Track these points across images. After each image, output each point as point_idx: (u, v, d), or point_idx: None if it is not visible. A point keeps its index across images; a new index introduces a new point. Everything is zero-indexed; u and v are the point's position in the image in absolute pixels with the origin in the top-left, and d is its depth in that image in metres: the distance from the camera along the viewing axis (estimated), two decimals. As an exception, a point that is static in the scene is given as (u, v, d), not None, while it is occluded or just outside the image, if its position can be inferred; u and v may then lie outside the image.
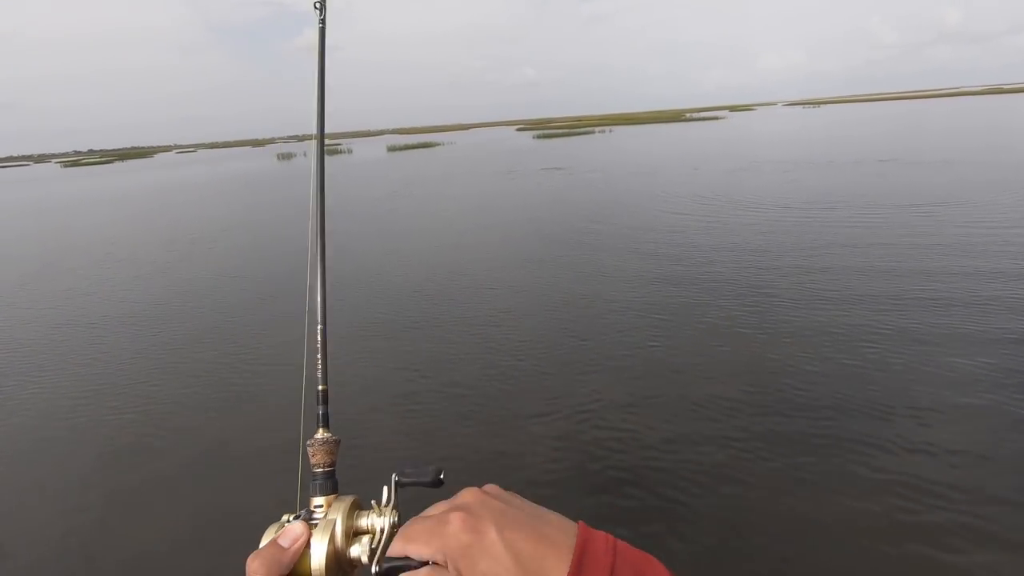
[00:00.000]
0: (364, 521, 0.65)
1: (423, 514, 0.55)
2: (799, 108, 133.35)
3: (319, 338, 0.80)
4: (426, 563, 0.50)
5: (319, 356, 0.79)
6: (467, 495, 0.54)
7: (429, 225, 15.82)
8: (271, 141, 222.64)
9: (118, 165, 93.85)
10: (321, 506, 0.67)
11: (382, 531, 0.63)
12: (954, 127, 39.67)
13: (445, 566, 0.48)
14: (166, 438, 5.42)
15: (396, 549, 0.53)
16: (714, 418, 4.98)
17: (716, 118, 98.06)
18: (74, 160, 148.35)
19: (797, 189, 16.87)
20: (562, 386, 5.80)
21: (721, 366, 5.98)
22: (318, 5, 0.92)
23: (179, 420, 5.75)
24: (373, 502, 0.66)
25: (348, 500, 0.67)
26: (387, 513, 0.64)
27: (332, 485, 0.70)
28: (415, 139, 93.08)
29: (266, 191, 30.71)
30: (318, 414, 0.77)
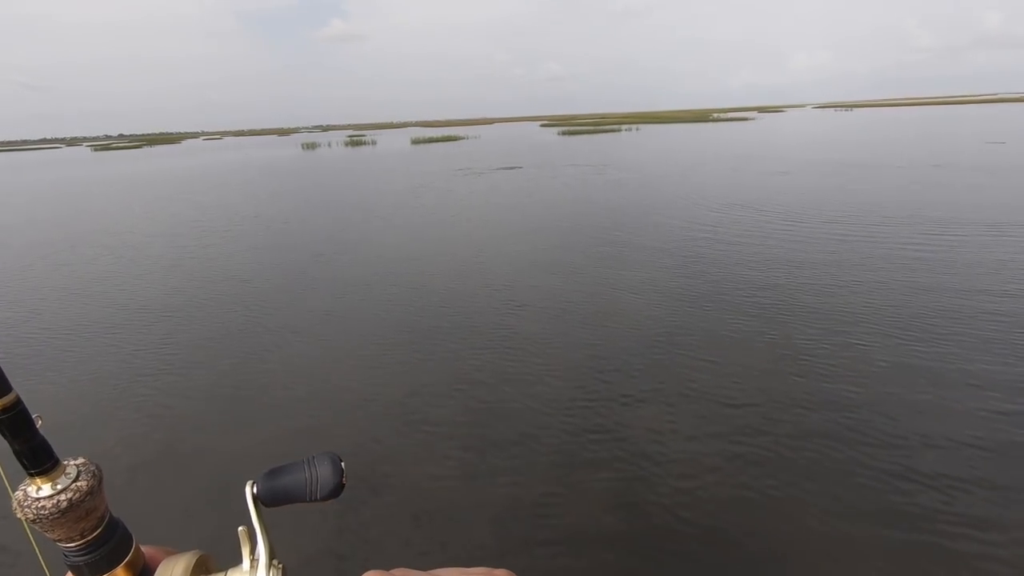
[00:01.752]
0: None
1: None
2: (830, 111, 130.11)
3: None
4: None
5: None
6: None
7: (448, 233, 15.32)
8: (295, 131, 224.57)
9: (147, 150, 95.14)
10: None
11: None
12: (995, 131, 38.05)
13: None
14: None
15: None
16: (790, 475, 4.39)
17: (745, 119, 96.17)
18: (104, 144, 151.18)
19: (845, 196, 16.03)
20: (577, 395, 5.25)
21: (789, 407, 5.36)
22: None
23: None
24: (245, 552, 0.43)
25: (183, 565, 0.44)
26: (265, 570, 0.42)
27: (120, 544, 0.45)
28: (439, 132, 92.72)
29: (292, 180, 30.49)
30: (16, 453, 0.43)
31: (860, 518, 3.70)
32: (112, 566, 0.43)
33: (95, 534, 0.43)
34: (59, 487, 0.42)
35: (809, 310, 7.31)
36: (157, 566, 0.43)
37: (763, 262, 9.57)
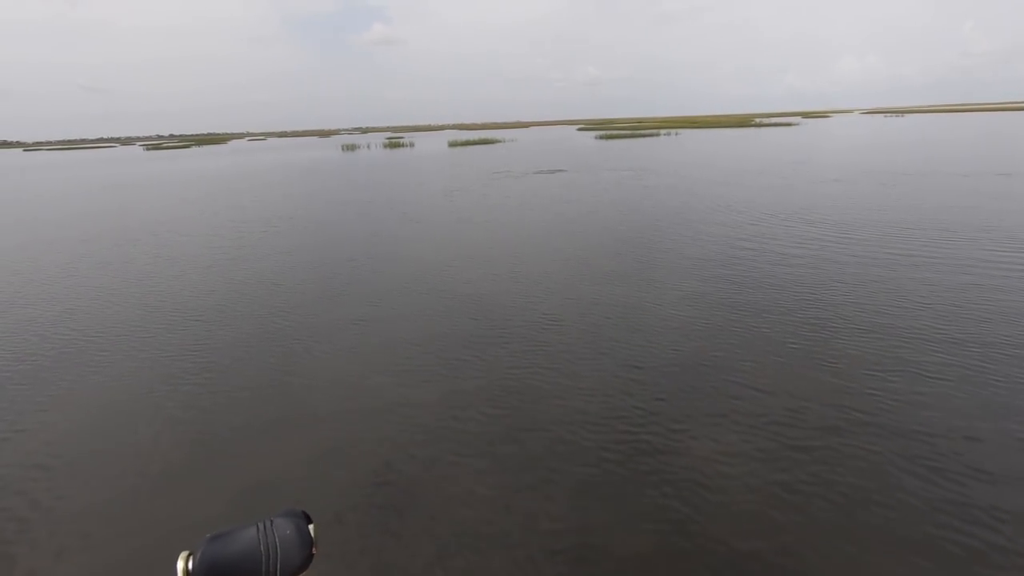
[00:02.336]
0: None
1: None
2: (880, 116, 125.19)
3: None
4: None
5: None
6: None
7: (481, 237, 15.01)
8: (335, 132, 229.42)
9: (195, 149, 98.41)
10: None
11: None
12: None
13: None
14: None
15: None
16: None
17: (789, 124, 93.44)
18: (156, 144, 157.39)
19: (906, 207, 15.08)
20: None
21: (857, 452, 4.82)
22: None
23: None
24: None
25: None
26: None
27: None
28: (476, 135, 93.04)
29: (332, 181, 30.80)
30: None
31: (924, 555, 3.21)
32: None
33: None
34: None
35: (867, 334, 6.67)
36: None
37: (817, 279, 8.93)
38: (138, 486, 4.39)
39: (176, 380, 6.24)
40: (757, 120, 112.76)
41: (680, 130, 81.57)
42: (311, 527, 0.41)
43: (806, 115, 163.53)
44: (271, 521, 0.40)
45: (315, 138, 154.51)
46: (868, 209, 14.38)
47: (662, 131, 76.73)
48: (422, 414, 5.27)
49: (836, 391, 5.34)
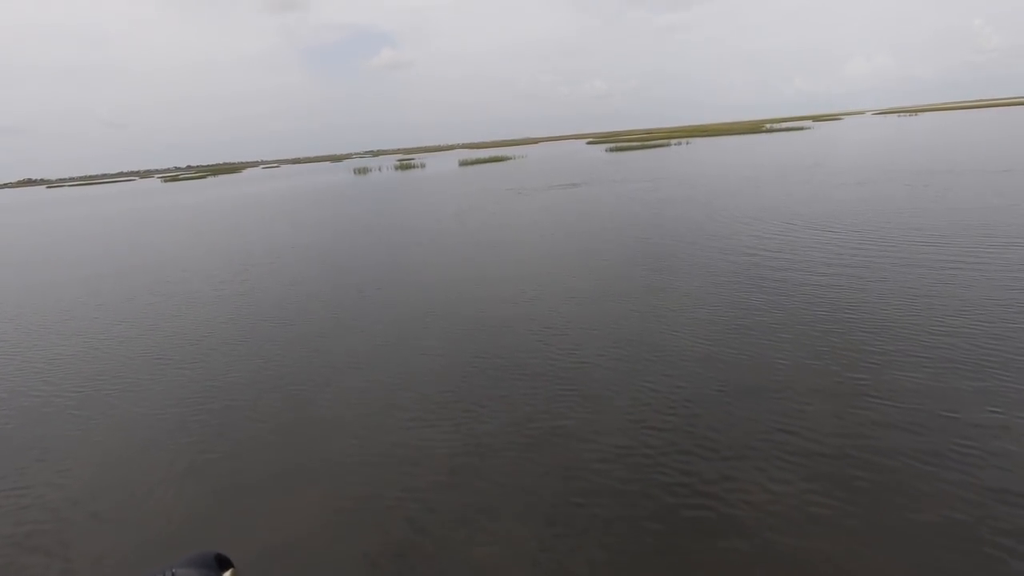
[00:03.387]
0: None
1: None
2: (894, 117, 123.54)
3: None
4: None
5: None
6: None
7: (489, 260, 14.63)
8: (348, 156, 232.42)
9: (211, 179, 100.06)
10: None
11: None
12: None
13: None
14: None
15: None
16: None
17: (801, 128, 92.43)
18: (173, 176, 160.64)
19: (944, 209, 14.43)
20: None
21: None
22: None
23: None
24: None
25: None
26: None
27: None
28: (486, 153, 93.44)
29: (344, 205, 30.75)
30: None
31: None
32: None
33: None
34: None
35: (918, 356, 6.12)
36: None
37: (860, 295, 8.37)
38: (143, 544, 4.00)
39: (184, 430, 5.87)
40: (768, 126, 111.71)
41: (691, 139, 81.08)
42: (228, 574, 0.36)
43: (817, 118, 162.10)
44: (172, 572, 0.35)
45: (328, 163, 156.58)
46: (905, 213, 13.74)
47: (672, 141, 76.30)
48: (444, 460, 4.83)
49: (894, 431, 4.80)
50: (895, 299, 7.78)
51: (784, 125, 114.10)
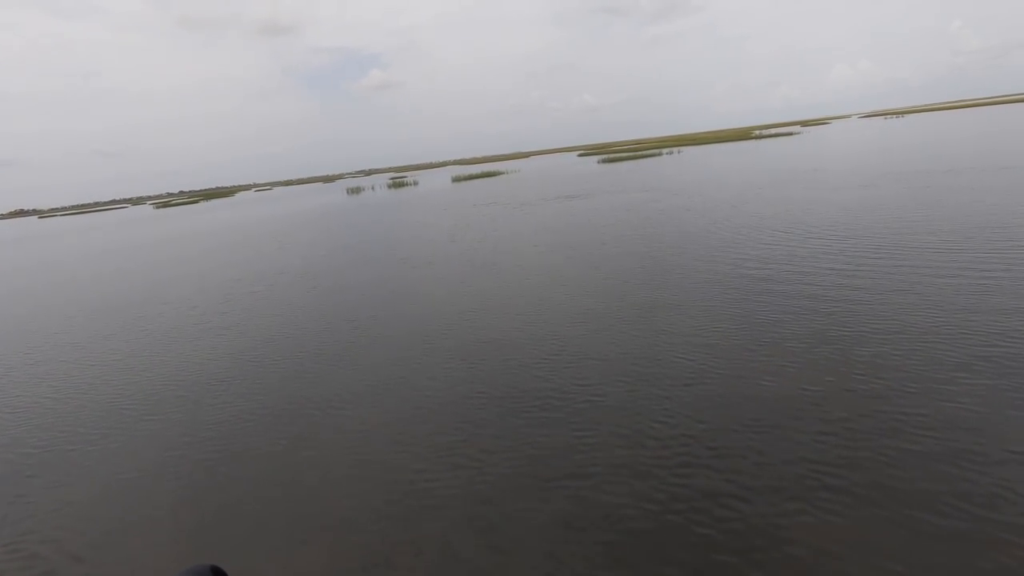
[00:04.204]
0: None
1: None
2: (879, 119, 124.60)
3: None
4: None
5: None
6: None
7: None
8: (340, 176, 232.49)
9: (203, 204, 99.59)
10: None
11: None
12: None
13: None
14: None
15: None
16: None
17: (790, 134, 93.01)
18: (165, 202, 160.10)
19: (961, 210, 14.15)
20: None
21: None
22: None
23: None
24: None
25: None
26: None
27: None
28: (478, 168, 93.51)
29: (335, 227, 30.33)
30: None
31: None
32: None
33: None
34: None
35: (965, 381, 5.73)
36: None
37: (888, 308, 8.00)
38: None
39: (173, 476, 5.39)
40: (757, 132, 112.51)
41: (681, 148, 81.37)
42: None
43: (805, 123, 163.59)
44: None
45: (320, 183, 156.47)
46: (914, 217, 13.44)
47: (664, 150, 76.52)
48: (455, 511, 4.37)
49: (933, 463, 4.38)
50: (928, 312, 7.39)
51: (773, 131, 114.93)
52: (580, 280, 11.27)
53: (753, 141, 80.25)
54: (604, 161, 68.30)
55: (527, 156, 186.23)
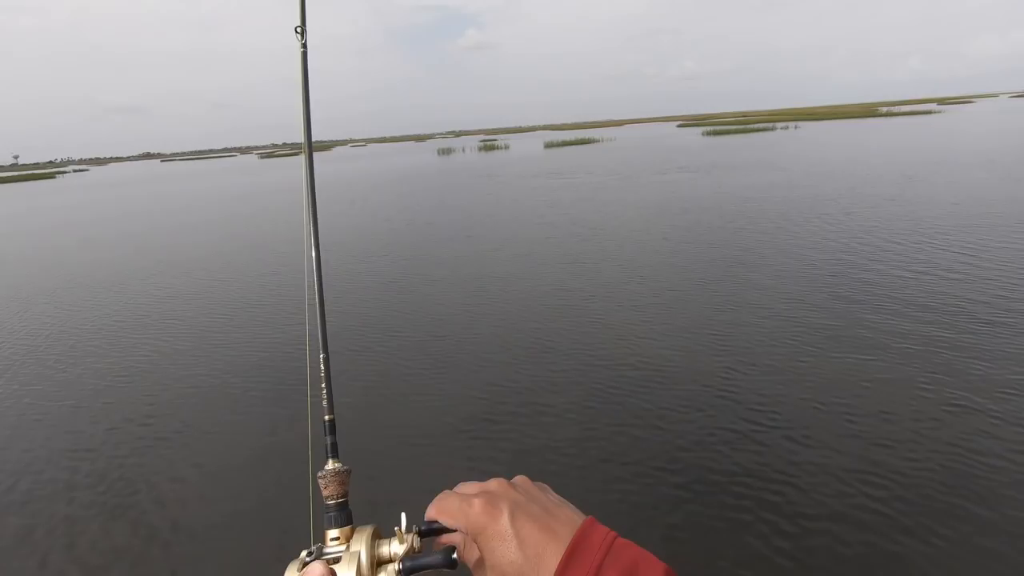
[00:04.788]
0: (385, 549, 0.61)
1: (455, 490, 0.61)
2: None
3: (322, 367, 0.75)
4: (455, 531, 0.59)
5: (323, 385, 0.74)
6: (494, 483, 0.59)
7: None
8: (431, 136, 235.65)
9: (302, 158, 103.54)
10: (337, 539, 0.64)
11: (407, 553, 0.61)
12: None
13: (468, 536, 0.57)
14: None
15: (431, 514, 0.60)
16: None
17: (928, 112, 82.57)
18: (269, 152, 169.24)
19: None
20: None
21: None
22: (299, 30, 0.87)
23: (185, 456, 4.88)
24: (396, 528, 0.61)
25: (368, 530, 0.63)
26: (408, 540, 0.60)
27: (346, 516, 0.67)
28: (571, 135, 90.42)
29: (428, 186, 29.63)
30: (326, 444, 0.73)
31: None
32: (341, 524, 0.65)
33: (340, 500, 0.67)
34: (337, 465, 0.69)
35: None
36: None
37: None
38: None
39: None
40: (884, 110, 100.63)
41: (797, 123, 74.24)
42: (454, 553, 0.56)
43: (942, 102, 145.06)
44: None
45: (412, 143, 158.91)
46: None
47: (778, 125, 70.07)
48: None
49: None
50: None
51: (904, 109, 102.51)
52: (710, 284, 9.47)
53: (884, 119, 71.75)
54: (709, 133, 63.45)
55: (620, 124, 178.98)
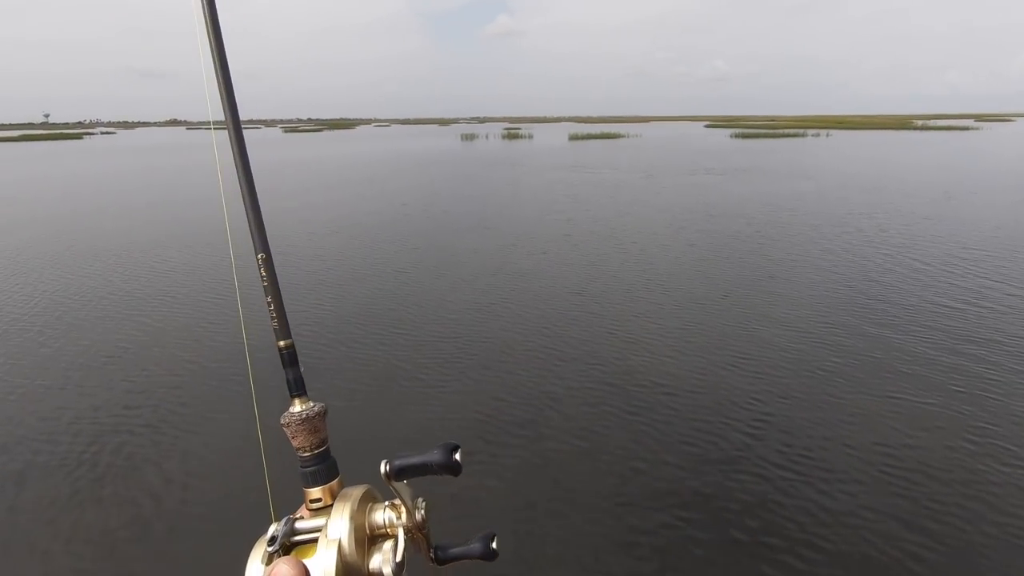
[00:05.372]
0: (380, 516, 0.51)
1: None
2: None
3: (262, 270, 0.57)
4: None
5: (268, 298, 0.56)
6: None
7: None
8: (454, 121, 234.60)
9: (326, 134, 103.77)
10: (319, 501, 0.53)
11: (408, 531, 0.50)
12: None
13: None
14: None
15: None
16: None
17: (965, 128, 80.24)
18: (293, 127, 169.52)
19: None
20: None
21: None
22: None
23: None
24: (394, 490, 0.51)
25: (358, 492, 0.52)
26: (414, 507, 0.51)
27: (329, 469, 0.54)
28: (596, 129, 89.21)
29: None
30: (287, 380, 0.57)
31: None
32: (321, 482, 0.53)
33: (320, 450, 0.55)
34: (304, 408, 0.55)
35: None
36: None
37: None
38: None
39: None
40: (920, 123, 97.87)
41: (828, 131, 72.50)
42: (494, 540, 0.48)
43: (979, 118, 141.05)
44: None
45: (435, 126, 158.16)
46: None
47: (809, 132, 68.46)
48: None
49: None
50: None
51: (939, 123, 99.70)
52: (744, 303, 9.00)
53: (916, 132, 69.80)
54: (738, 136, 62.19)
55: (646, 121, 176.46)
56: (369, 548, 0.48)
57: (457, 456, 0.50)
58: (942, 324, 7.19)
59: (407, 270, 10.17)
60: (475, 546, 0.53)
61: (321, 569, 0.44)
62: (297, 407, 0.55)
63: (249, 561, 0.46)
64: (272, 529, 0.48)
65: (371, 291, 9.02)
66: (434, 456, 0.49)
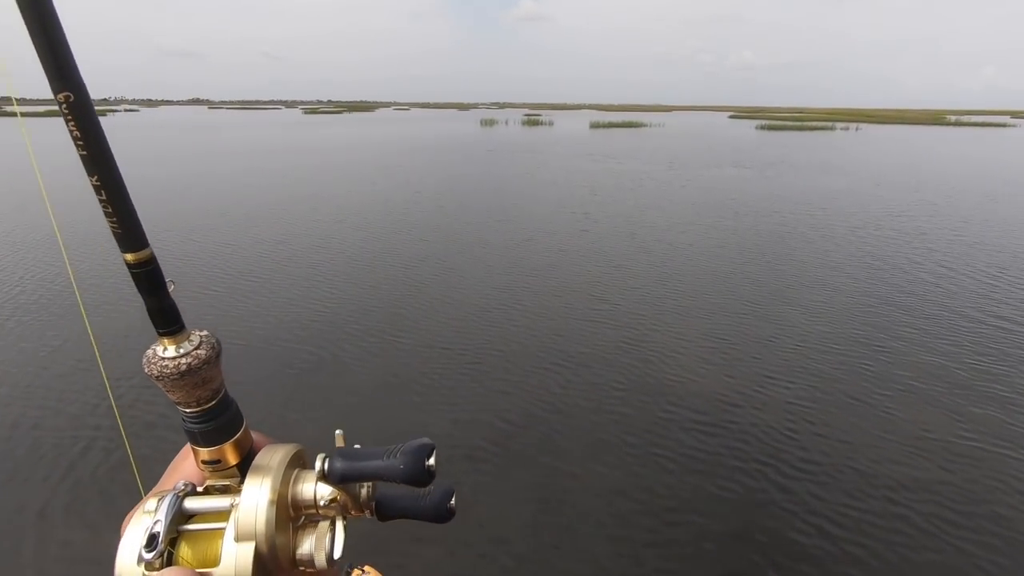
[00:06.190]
0: (312, 490, 0.41)
1: None
2: None
3: (72, 126, 0.36)
4: None
5: (96, 181, 0.37)
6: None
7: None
8: (474, 106, 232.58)
9: (345, 116, 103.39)
10: (217, 463, 0.42)
11: (346, 507, 0.42)
12: None
13: None
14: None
15: None
16: None
17: (1002, 124, 77.35)
18: (313, 108, 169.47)
19: None
20: None
21: None
22: None
23: None
24: (321, 456, 0.42)
25: (280, 455, 0.42)
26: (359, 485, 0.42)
27: (229, 422, 0.43)
28: (618, 117, 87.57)
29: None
30: (149, 312, 0.41)
31: None
32: (222, 440, 0.42)
33: (210, 405, 0.42)
34: (182, 351, 0.40)
35: None
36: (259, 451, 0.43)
37: None
38: None
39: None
40: (954, 118, 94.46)
41: (859, 124, 70.28)
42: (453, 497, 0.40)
43: (1016, 115, 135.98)
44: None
45: (455, 110, 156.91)
46: None
47: (837, 125, 66.40)
48: None
49: None
50: None
51: (974, 119, 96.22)
52: (787, 322, 8.33)
53: (950, 128, 67.37)
54: (764, 128, 60.45)
55: (669, 110, 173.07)
56: (296, 531, 0.39)
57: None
58: (997, 347, 6.49)
59: (414, 265, 9.65)
60: (426, 503, 0.44)
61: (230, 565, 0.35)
62: (169, 350, 0.40)
63: (117, 571, 0.35)
64: (148, 523, 0.36)
65: (371, 287, 8.52)
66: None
